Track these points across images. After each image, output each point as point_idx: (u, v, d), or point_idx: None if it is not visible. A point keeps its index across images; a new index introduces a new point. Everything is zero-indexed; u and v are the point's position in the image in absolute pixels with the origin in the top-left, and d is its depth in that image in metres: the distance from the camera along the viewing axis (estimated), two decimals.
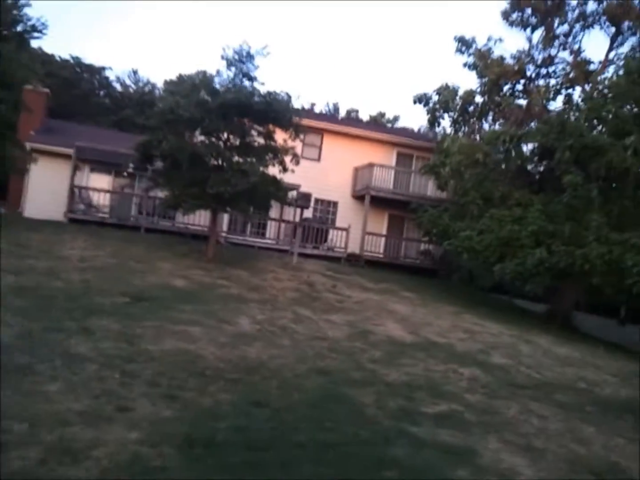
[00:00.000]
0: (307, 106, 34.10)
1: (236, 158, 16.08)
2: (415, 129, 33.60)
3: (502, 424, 7.59)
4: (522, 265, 17.13)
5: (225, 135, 16.49)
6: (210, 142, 16.10)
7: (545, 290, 20.97)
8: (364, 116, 42.71)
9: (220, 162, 16.11)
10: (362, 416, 6.80)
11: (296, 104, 17.20)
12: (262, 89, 16.27)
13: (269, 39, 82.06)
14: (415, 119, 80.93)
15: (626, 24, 21.63)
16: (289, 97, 16.71)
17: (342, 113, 45.23)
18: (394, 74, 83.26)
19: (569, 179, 16.83)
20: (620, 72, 19.68)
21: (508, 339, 14.14)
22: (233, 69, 16.13)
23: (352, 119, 36.02)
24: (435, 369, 9.79)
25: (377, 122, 39.29)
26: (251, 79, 16.31)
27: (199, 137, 16.76)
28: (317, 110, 43.19)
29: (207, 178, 15.20)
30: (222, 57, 16.02)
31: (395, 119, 43.38)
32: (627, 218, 18.53)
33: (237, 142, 16.60)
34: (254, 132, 16.49)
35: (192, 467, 4.98)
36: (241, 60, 16.04)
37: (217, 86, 15.55)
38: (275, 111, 15.78)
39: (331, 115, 33.13)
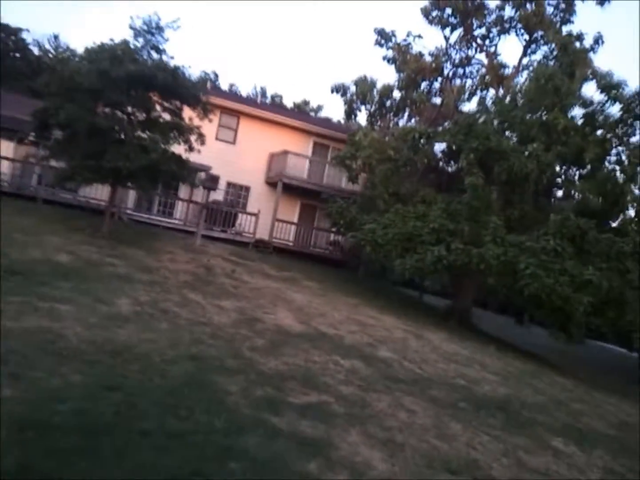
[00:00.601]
0: (227, 87, 33.55)
1: (138, 133, 15.49)
2: (336, 120, 33.56)
3: (368, 417, 7.58)
4: (421, 261, 17.38)
5: (130, 108, 15.84)
6: (112, 115, 15.42)
7: (451, 288, 21.47)
8: (288, 103, 42.47)
9: (121, 136, 15.47)
10: (222, 405, 6.60)
11: (213, 83, 16.73)
12: (171, 63, 15.71)
13: (199, 17, 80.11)
14: (338, 110, 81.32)
15: (539, 32, 22.28)
16: (206, 75, 16.29)
17: (268, 98, 44.75)
18: (320, 62, 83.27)
19: (471, 181, 17.19)
20: (532, 79, 20.28)
21: (400, 333, 14.30)
22: (141, 39, 15.50)
23: (274, 104, 35.65)
24: (316, 360, 9.71)
25: (300, 110, 39.08)
26: (159, 51, 15.72)
27: (103, 109, 16.05)
28: (244, 93, 42.60)
29: (104, 151, 14.57)
30: (130, 27, 15.37)
31: (319, 108, 43.32)
32: (527, 222, 19.17)
33: (142, 117, 15.99)
34: (160, 108, 15.92)
35: (16, 451, 4.64)
36: (150, 32, 15.43)
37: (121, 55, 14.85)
38: (182, 87, 15.29)
39: (250, 99, 32.59)
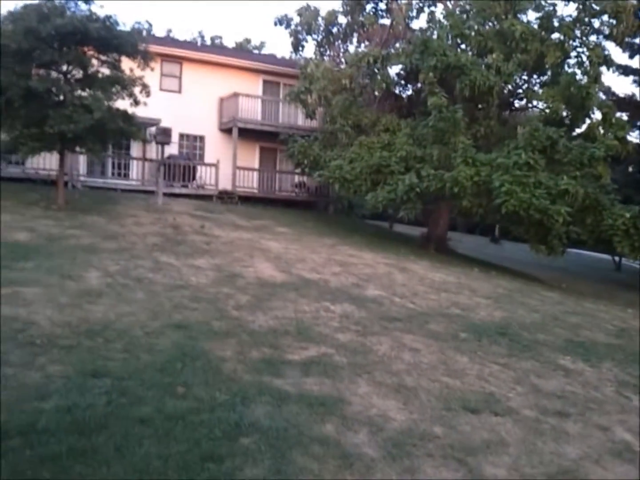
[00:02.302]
0: (164, 33, 31.86)
1: (79, 92, 14.38)
2: (282, 57, 32.25)
3: (373, 364, 7.17)
4: (393, 193, 16.90)
5: (65, 67, 14.65)
6: (47, 76, 14.23)
7: (422, 215, 21.10)
8: (229, 43, 40.70)
9: (60, 98, 14.34)
10: (220, 374, 6.08)
11: (151, 29, 15.55)
12: (101, 13, 14.51)
13: None
14: (282, 45, 78.93)
15: None
16: (139, 25, 15.13)
17: (207, 41, 42.81)
18: None
19: (434, 101, 16.57)
20: None
21: (383, 268, 13.92)
22: None
23: (215, 46, 34.03)
24: (306, 310, 9.24)
25: (243, 49, 37.50)
26: (87, 1, 14.49)
27: (38, 71, 14.82)
28: (181, 39, 40.49)
29: (46, 116, 13.49)
30: None
31: (262, 45, 41.61)
32: (493, 138, 18.75)
33: (79, 75, 14.83)
34: (96, 63, 14.76)
35: (3, 463, 4.06)
36: None
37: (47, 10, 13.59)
38: (118, 37, 14.15)
39: (190, 42, 31.03)
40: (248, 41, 41.07)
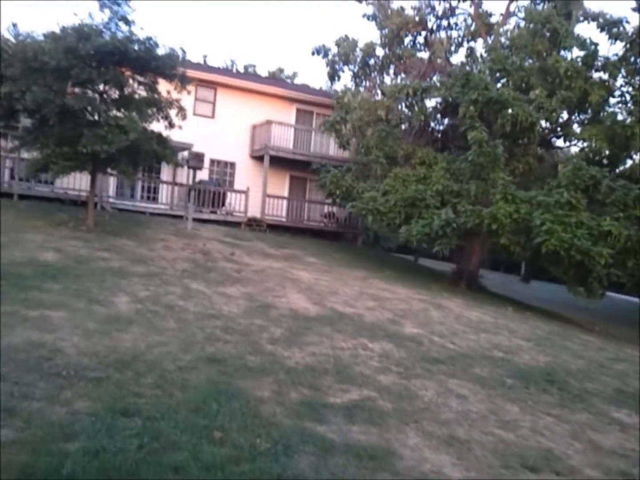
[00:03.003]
0: (198, 59, 32.05)
1: (114, 112, 14.19)
2: (315, 86, 32.23)
3: (420, 411, 6.63)
4: (428, 227, 16.41)
5: (101, 86, 14.50)
6: (83, 94, 14.08)
7: (450, 250, 20.53)
8: (262, 72, 40.83)
9: (95, 117, 14.17)
10: (259, 418, 5.58)
11: (185, 56, 15.40)
12: (141, 35, 14.37)
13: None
14: (315, 75, 79.36)
15: None
16: (173, 50, 15.02)
17: (240, 69, 43.07)
18: (293, 27, 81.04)
19: (474, 135, 16.13)
20: (522, 24, 19.20)
21: (418, 304, 13.38)
22: (107, 11, 14.11)
23: (249, 73, 34.12)
24: (343, 347, 8.73)
25: (276, 78, 37.60)
26: (128, 22, 14.35)
27: (73, 90, 14.69)
28: (212, 66, 40.70)
29: (80, 135, 13.28)
30: None
31: (295, 75, 41.71)
32: (531, 176, 18.25)
33: (116, 95, 14.67)
34: (134, 83, 14.59)
35: None
36: (116, 2, 14.04)
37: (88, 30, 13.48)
38: (157, 59, 13.96)
39: (225, 69, 31.12)
40: (281, 70, 41.20)
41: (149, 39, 14.36)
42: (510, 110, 16.08)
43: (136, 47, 13.95)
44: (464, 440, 6.03)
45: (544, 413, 7.40)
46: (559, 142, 20.94)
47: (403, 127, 19.71)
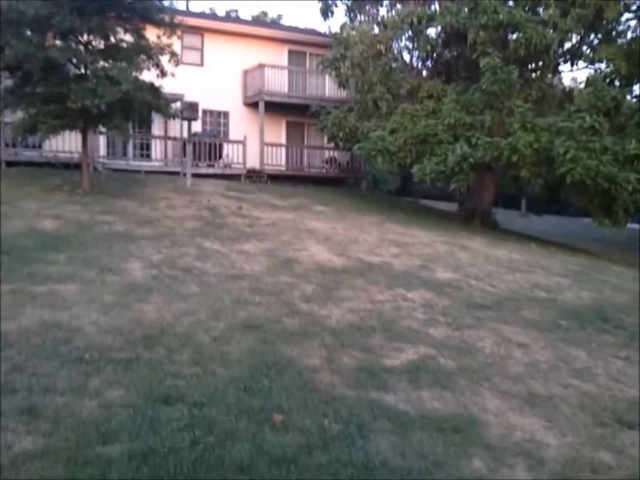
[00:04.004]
0: (182, 6, 30.44)
1: (102, 63, 13.07)
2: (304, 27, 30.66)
3: (487, 367, 5.94)
4: (443, 163, 15.51)
5: (86, 36, 13.32)
6: (66, 46, 12.91)
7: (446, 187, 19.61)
8: (245, 17, 38.93)
9: (82, 70, 13.05)
10: (317, 391, 4.86)
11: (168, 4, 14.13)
12: None
13: None
14: (300, 17, 76.29)
15: None
16: None
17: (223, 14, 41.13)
18: None
19: (487, 62, 15.06)
20: None
21: (442, 247, 12.63)
22: None
23: (233, 18, 32.49)
24: (381, 299, 8.00)
25: (261, 21, 35.93)
26: None
27: (55, 42, 13.50)
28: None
29: (67, 91, 12.20)
30: None
31: (280, 17, 39.96)
32: (545, 102, 17.29)
33: (102, 45, 13.51)
34: (120, 31, 13.40)
35: None
36: None
37: None
38: (144, 2, 12.78)
39: (210, 13, 29.58)
40: (265, 14, 39.39)
41: None
42: (523, 33, 14.96)
43: None
44: (544, 397, 5.36)
45: (612, 356, 6.75)
46: (565, 67, 19.83)
47: (406, 60, 18.56)
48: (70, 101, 12.10)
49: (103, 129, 15.78)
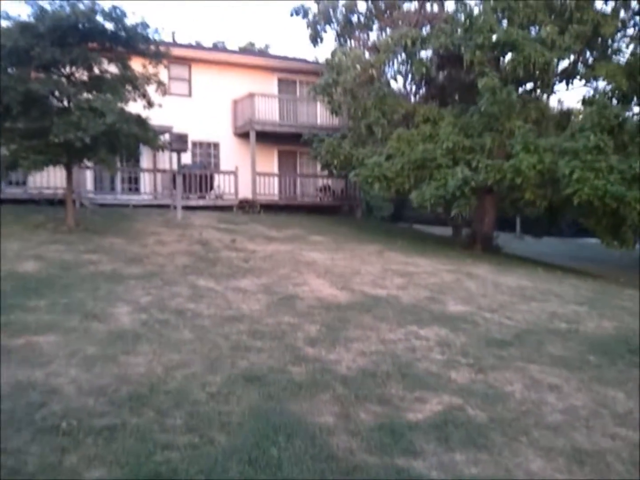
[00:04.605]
0: (167, 38, 30.04)
1: (85, 95, 12.49)
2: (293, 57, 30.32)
3: (521, 416, 5.25)
4: (443, 188, 14.96)
5: (68, 68, 12.78)
6: (48, 78, 12.35)
7: (445, 213, 19.05)
8: (233, 48, 38.64)
9: (65, 102, 12.46)
10: (335, 459, 4.15)
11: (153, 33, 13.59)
12: (106, 5, 12.61)
13: None
14: (289, 47, 76.48)
15: None
16: (144, 19, 13.24)
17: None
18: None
19: (486, 83, 14.60)
20: None
21: (448, 276, 11.99)
22: None
23: (220, 47, 32.18)
24: (393, 338, 7.32)
25: (250, 50, 35.67)
26: None
27: (37, 75, 12.93)
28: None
29: (50, 125, 11.60)
30: None
31: (267, 47, 39.71)
32: (544, 122, 16.85)
33: (85, 76, 12.96)
34: (104, 61, 12.86)
35: None
36: None
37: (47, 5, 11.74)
38: (127, 30, 12.26)
39: (198, 44, 29.26)
40: (252, 45, 39.14)
41: (115, 8, 12.62)
42: (521, 52, 14.53)
43: (103, 18, 12.24)
44: (592, 452, 4.67)
45: None
46: (560, 86, 19.36)
47: (397, 84, 18.16)
48: (53, 135, 11.50)
49: (89, 163, 15.13)
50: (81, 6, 12.53)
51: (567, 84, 18.60)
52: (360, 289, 9.95)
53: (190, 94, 22.10)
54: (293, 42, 76.59)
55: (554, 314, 9.42)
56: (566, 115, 18.34)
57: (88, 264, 10.14)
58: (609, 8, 16.65)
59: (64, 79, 12.77)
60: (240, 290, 9.11)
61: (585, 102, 15.86)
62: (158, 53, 13.45)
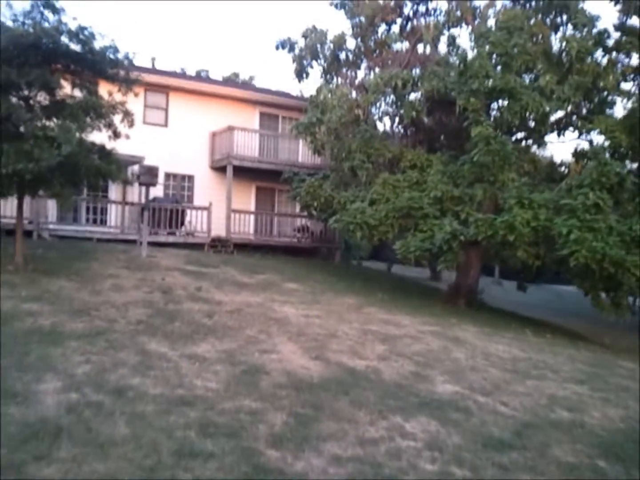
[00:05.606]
0: (146, 63, 29.19)
1: (44, 122, 11.32)
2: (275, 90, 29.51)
3: None
4: (429, 240, 13.94)
5: (27, 91, 11.62)
6: (3, 103, 11.16)
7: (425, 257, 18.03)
8: (216, 77, 37.78)
9: (19, 129, 11.26)
10: None
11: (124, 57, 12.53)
12: (73, 26, 11.54)
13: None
14: (274, 80, 76.23)
15: None
16: (114, 42, 12.18)
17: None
18: (247, 28, 78.11)
19: (480, 132, 13.73)
20: (509, 5, 17.05)
21: (434, 341, 10.89)
22: None
23: (202, 77, 31.21)
24: (374, 436, 6.12)
25: (232, 81, 34.84)
26: (56, 10, 11.52)
27: None
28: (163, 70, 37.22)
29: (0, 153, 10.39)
30: None
31: (252, 79, 38.89)
32: (538, 176, 16.03)
33: (46, 100, 11.80)
34: (67, 85, 11.73)
35: None
36: None
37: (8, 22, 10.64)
38: (95, 53, 11.18)
39: (177, 72, 28.29)
40: (236, 75, 38.29)
41: (83, 29, 11.54)
42: (518, 100, 13.69)
43: (69, 39, 11.15)
44: None
45: None
46: (552, 137, 18.59)
47: (384, 126, 17.24)
48: (2, 165, 10.25)
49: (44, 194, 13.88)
50: (46, 24, 11.50)
51: (559, 134, 17.85)
52: (336, 359, 8.76)
53: (166, 124, 21.09)
54: (278, 74, 76.44)
55: (553, 398, 8.32)
56: (557, 167, 17.56)
57: (26, 316, 8.82)
58: (604, 60, 16.07)
59: (21, 103, 11.58)
60: (197, 358, 7.87)
61: (580, 155, 15.05)
62: (128, 79, 12.35)
